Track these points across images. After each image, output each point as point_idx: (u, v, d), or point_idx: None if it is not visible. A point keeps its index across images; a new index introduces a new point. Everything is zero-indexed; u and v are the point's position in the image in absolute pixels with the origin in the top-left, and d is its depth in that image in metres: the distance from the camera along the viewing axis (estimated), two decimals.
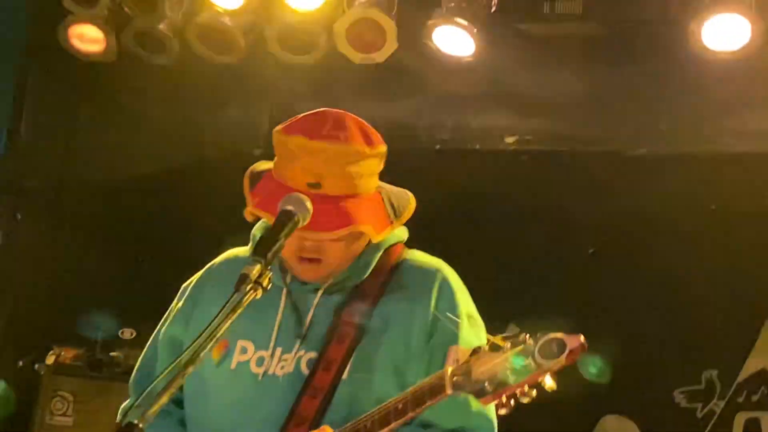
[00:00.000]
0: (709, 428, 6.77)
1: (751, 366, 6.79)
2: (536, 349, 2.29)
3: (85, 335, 5.63)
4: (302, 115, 2.80)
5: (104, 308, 5.83)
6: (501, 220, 6.08)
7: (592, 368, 6.24)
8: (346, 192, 2.72)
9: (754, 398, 6.78)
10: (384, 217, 2.77)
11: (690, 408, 6.83)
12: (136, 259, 6.25)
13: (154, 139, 5.91)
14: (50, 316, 5.84)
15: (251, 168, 2.83)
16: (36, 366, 5.57)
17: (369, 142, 2.78)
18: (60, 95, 5.94)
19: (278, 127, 2.79)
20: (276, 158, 2.80)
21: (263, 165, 2.84)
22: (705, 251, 6.32)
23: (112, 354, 5.49)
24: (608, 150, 5.15)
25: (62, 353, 5.53)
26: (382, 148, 2.81)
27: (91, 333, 5.60)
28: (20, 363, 5.72)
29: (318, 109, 2.81)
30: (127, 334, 5.56)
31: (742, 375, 6.80)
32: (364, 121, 2.82)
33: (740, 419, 6.76)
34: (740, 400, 6.79)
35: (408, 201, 2.84)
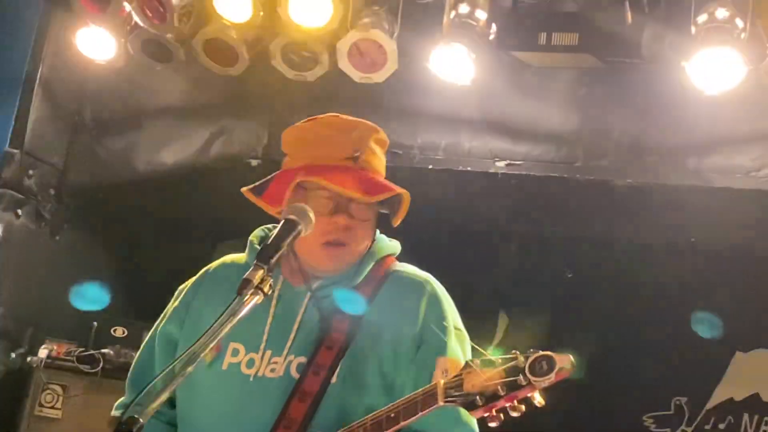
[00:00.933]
0: None
1: (720, 395, 6.81)
2: (527, 366, 2.29)
3: (77, 331, 5.62)
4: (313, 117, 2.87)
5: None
6: (487, 239, 6.10)
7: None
8: (375, 168, 2.78)
9: (721, 426, 6.79)
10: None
11: None
12: (131, 260, 6.23)
13: (153, 144, 5.89)
14: (45, 311, 5.80)
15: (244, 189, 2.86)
16: (28, 359, 5.55)
17: (384, 135, 2.88)
18: (64, 98, 5.87)
19: (293, 126, 2.85)
20: (290, 157, 2.84)
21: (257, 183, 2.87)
22: (682, 282, 6.34)
23: (103, 350, 5.46)
24: (595, 179, 5.15)
25: (55, 347, 5.50)
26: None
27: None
28: (13, 355, 5.67)
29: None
30: (119, 332, 5.55)
31: (711, 403, 6.81)
32: None
33: None
34: (708, 427, 6.80)
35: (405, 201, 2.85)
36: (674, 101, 4.78)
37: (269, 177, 2.85)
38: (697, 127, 4.88)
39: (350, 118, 2.84)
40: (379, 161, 2.80)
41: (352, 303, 2.78)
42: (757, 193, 5.00)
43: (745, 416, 6.77)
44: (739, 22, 4.57)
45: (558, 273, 6.59)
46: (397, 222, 2.83)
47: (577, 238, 6.11)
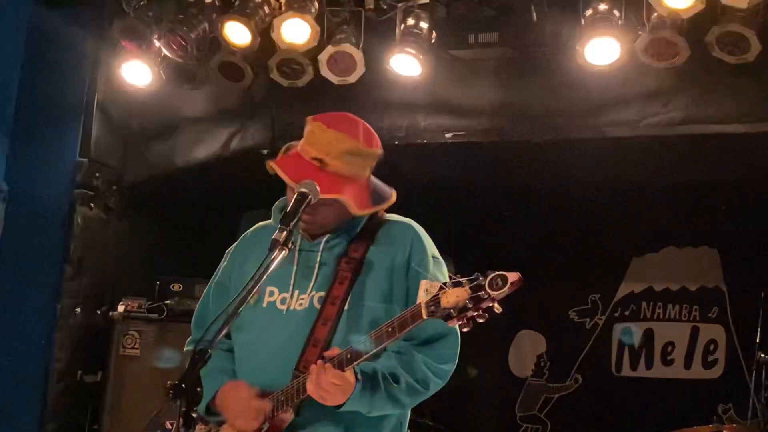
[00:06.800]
0: (594, 336, 6.88)
1: (623, 290, 6.91)
2: (486, 284, 2.31)
3: (145, 289, 5.64)
4: (332, 113, 2.81)
5: (158, 269, 5.82)
6: (441, 192, 6.12)
7: None
8: (342, 172, 2.72)
9: (626, 313, 6.89)
10: (367, 200, 2.76)
11: (580, 322, 6.93)
12: (177, 233, 6.22)
13: (187, 145, 5.84)
14: (119, 277, 5.82)
15: (286, 145, 2.83)
16: (110, 314, 5.56)
17: (368, 143, 2.78)
18: (117, 116, 5.82)
19: (313, 116, 2.80)
20: (302, 139, 2.79)
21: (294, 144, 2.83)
22: (589, 210, 6.40)
23: (166, 302, 5.48)
24: (520, 139, 5.15)
25: (129, 303, 5.52)
26: (378, 151, 2.82)
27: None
28: (98, 312, 5.69)
29: (343, 112, 2.83)
30: (176, 287, 5.57)
31: (617, 297, 6.91)
32: (372, 129, 2.82)
33: (617, 328, 6.88)
34: (616, 314, 6.90)
35: (390, 195, 2.84)
36: (573, 75, 4.77)
37: (286, 146, 2.83)
38: (592, 92, 4.87)
39: (346, 123, 2.77)
40: (346, 167, 2.71)
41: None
42: (639, 138, 5.02)
43: (643, 303, 6.87)
44: (616, 13, 4.59)
45: (497, 212, 6.62)
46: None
47: (509, 185, 6.14)
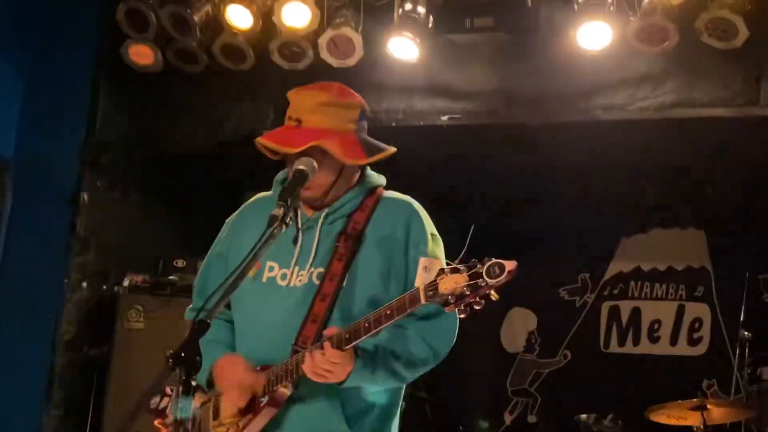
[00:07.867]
0: (584, 314, 6.90)
1: (612, 270, 6.93)
2: (484, 271, 2.28)
3: (150, 265, 5.65)
4: None
5: (162, 245, 5.82)
6: (437, 173, 6.12)
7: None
8: (320, 126, 2.67)
9: (615, 292, 6.91)
10: (358, 151, 2.70)
11: (570, 300, 6.95)
12: (181, 210, 6.22)
13: (190, 126, 5.83)
14: (124, 253, 5.81)
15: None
16: (116, 288, 5.58)
17: (340, 95, 2.75)
18: (122, 96, 5.80)
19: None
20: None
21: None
22: (579, 190, 6.40)
23: (170, 277, 5.51)
24: (513, 122, 5.14)
25: (134, 278, 5.53)
26: (353, 100, 2.77)
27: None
28: (104, 287, 5.71)
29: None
30: (180, 263, 5.58)
31: (606, 276, 6.92)
32: (349, 89, 2.79)
33: (605, 306, 6.90)
34: (605, 293, 6.92)
35: (383, 149, 2.78)
36: (566, 59, 4.76)
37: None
38: (584, 76, 4.87)
39: (319, 83, 2.77)
40: (323, 119, 2.66)
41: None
42: (629, 122, 5.02)
43: (632, 283, 6.88)
44: None
45: (491, 193, 6.62)
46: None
47: (503, 166, 6.14)
